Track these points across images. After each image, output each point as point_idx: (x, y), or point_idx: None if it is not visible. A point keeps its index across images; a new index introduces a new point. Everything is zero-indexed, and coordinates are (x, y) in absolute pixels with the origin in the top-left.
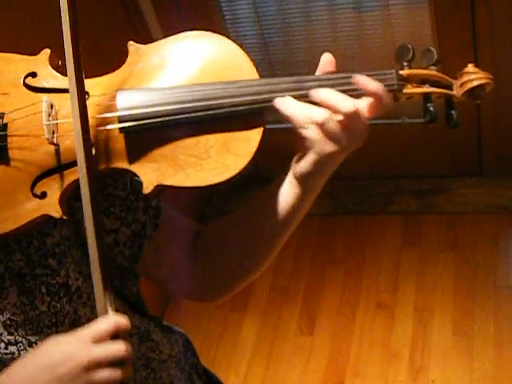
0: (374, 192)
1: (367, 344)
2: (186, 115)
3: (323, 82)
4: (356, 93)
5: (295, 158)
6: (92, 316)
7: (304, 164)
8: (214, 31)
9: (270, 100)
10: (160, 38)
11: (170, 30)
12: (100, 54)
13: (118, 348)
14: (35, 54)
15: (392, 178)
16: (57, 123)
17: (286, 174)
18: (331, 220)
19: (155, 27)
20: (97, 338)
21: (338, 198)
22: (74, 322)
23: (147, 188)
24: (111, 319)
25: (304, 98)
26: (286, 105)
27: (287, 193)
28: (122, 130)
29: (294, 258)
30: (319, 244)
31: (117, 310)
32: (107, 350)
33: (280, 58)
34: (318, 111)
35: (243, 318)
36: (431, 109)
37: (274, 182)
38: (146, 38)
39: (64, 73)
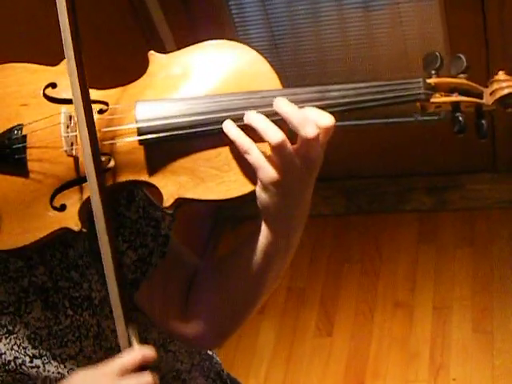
0: (387, 190)
1: (386, 343)
2: (207, 127)
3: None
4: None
5: None
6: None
7: (260, 195)
8: (230, 38)
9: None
10: (171, 44)
11: (180, 35)
12: (111, 65)
13: (145, 380)
14: (55, 64)
15: (405, 176)
16: (75, 135)
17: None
18: (345, 220)
19: (166, 31)
20: (123, 371)
21: (351, 198)
22: (98, 335)
23: (168, 201)
24: (137, 352)
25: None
26: (228, 128)
27: (261, 234)
28: (141, 142)
29: (310, 259)
30: (335, 244)
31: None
32: (134, 382)
33: (290, 59)
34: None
35: (261, 320)
36: (460, 118)
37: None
38: (158, 43)
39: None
